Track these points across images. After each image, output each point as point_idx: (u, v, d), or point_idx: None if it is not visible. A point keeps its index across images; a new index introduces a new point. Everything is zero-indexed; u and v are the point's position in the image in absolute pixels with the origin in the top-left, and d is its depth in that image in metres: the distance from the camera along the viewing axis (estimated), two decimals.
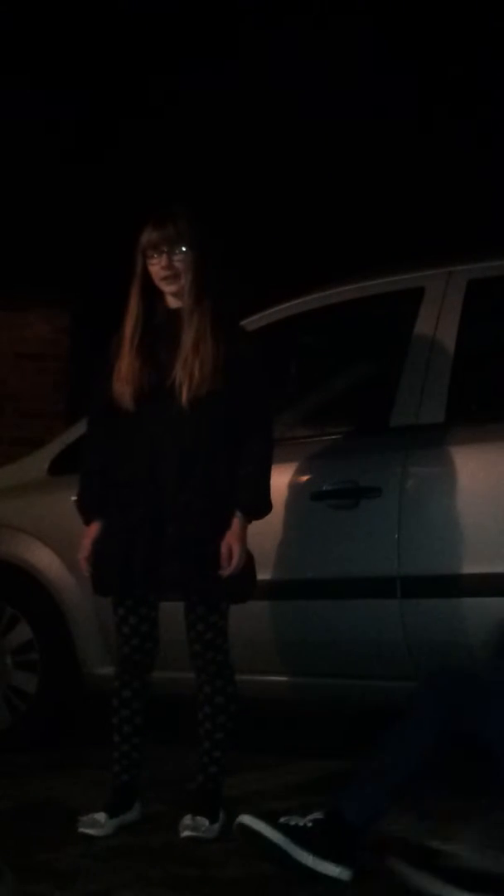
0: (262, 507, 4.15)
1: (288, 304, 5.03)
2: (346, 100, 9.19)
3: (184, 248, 4.06)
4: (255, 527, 4.26)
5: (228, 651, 4.16)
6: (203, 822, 4.02)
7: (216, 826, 4.03)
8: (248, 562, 4.13)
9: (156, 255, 4.07)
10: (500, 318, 4.77)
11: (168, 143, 9.18)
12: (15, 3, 9.11)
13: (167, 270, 4.07)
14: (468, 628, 4.33)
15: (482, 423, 4.54)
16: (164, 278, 4.09)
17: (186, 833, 4.00)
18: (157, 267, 4.08)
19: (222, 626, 4.14)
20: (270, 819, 3.61)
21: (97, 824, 4.07)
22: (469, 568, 4.35)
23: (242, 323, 4.83)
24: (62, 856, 3.85)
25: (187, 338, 4.04)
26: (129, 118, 9.37)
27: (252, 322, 4.95)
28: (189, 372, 4.01)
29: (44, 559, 5.22)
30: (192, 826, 4.01)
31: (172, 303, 4.14)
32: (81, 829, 4.07)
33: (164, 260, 4.07)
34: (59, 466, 5.28)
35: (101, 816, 4.10)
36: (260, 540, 4.27)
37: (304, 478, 4.73)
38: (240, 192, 8.93)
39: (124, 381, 4.08)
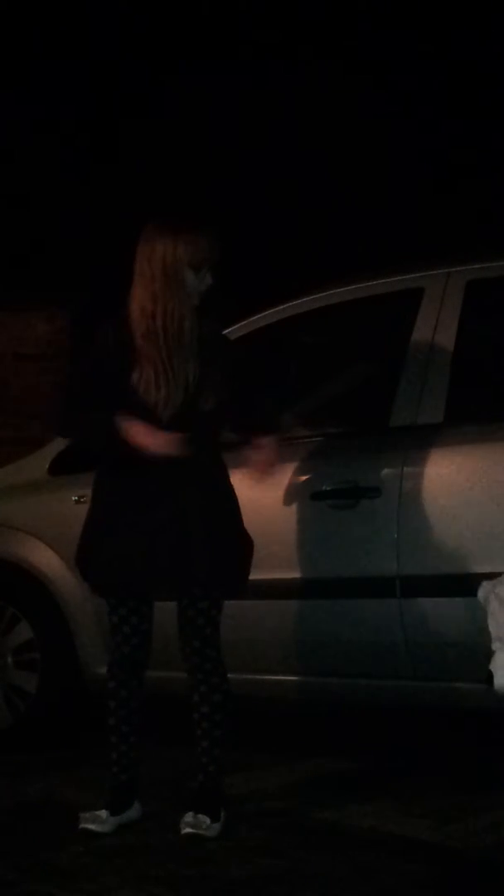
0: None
1: (288, 305, 5.03)
2: (346, 100, 9.19)
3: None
4: (256, 526, 4.27)
5: (221, 648, 4.17)
6: (204, 820, 4.02)
7: (217, 825, 4.03)
8: (248, 552, 4.18)
9: (206, 268, 4.07)
10: (500, 319, 4.77)
11: (168, 143, 9.19)
12: (17, 3, 9.12)
13: (211, 285, 4.09)
14: (468, 628, 4.33)
15: (482, 423, 4.54)
16: (204, 291, 4.09)
17: (188, 830, 4.00)
18: (203, 281, 4.07)
19: (218, 622, 4.15)
20: None
21: (98, 820, 4.08)
22: (469, 568, 4.35)
23: (243, 323, 4.87)
24: (63, 855, 3.86)
25: (192, 350, 4.07)
26: (130, 119, 9.37)
27: (252, 322, 4.96)
28: (192, 382, 4.05)
29: (44, 559, 5.22)
30: (193, 824, 4.02)
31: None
32: (83, 825, 4.07)
33: (209, 276, 4.08)
34: (59, 466, 5.29)
35: (102, 813, 4.11)
36: (260, 540, 4.27)
37: (304, 478, 4.73)
38: (240, 192, 8.93)
39: (155, 386, 4.05)
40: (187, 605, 4.13)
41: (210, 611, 4.12)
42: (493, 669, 3.42)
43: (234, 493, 4.21)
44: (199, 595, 4.11)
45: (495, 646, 3.46)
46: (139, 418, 4.03)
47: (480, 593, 3.54)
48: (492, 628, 3.48)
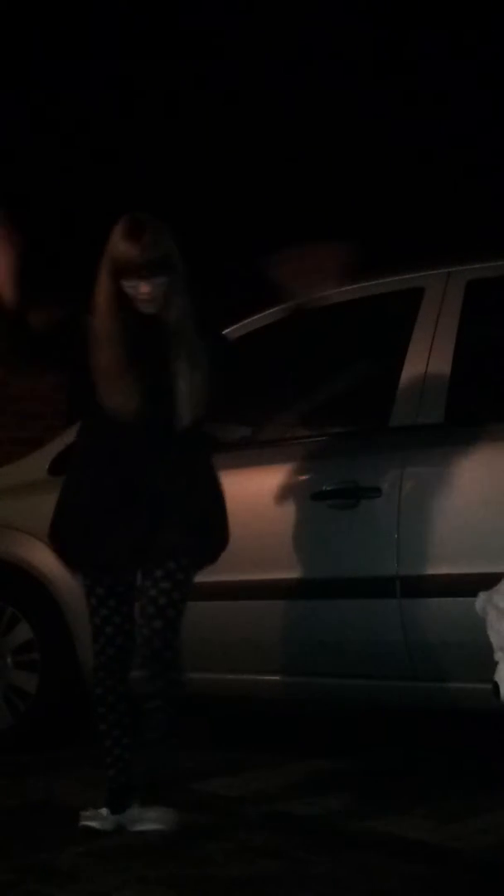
0: None
1: (288, 304, 5.02)
2: (346, 99, 9.19)
3: (165, 272, 3.91)
4: (256, 527, 4.26)
5: (181, 642, 4.04)
6: (166, 812, 3.99)
7: (171, 815, 4.00)
8: (224, 521, 4.10)
9: (135, 279, 3.90)
10: (500, 319, 4.78)
11: (166, 142, 9.18)
12: (17, 3, 9.11)
13: (149, 295, 3.92)
14: (468, 628, 4.33)
15: (482, 423, 4.54)
16: (144, 301, 3.93)
17: (151, 826, 3.97)
18: (135, 290, 3.91)
19: (181, 610, 4.02)
20: None
21: (99, 818, 4.07)
22: (469, 568, 4.35)
23: (243, 323, 4.87)
24: (62, 855, 3.86)
25: (180, 363, 3.97)
26: (130, 119, 9.37)
27: (252, 322, 4.96)
28: (191, 395, 3.98)
29: (44, 559, 5.21)
30: (159, 819, 3.99)
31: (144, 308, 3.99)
32: (84, 823, 4.06)
33: (144, 285, 3.90)
34: (59, 466, 5.28)
35: (103, 811, 4.10)
36: (260, 540, 4.27)
37: (304, 478, 4.73)
38: (240, 192, 8.94)
39: (121, 394, 3.96)
40: (150, 585, 4.00)
41: (172, 593, 3.98)
42: (497, 681, 3.42)
43: (222, 490, 4.13)
44: (166, 570, 3.99)
45: (497, 656, 3.47)
46: (121, 424, 3.98)
47: (477, 604, 3.54)
48: (492, 639, 3.48)
